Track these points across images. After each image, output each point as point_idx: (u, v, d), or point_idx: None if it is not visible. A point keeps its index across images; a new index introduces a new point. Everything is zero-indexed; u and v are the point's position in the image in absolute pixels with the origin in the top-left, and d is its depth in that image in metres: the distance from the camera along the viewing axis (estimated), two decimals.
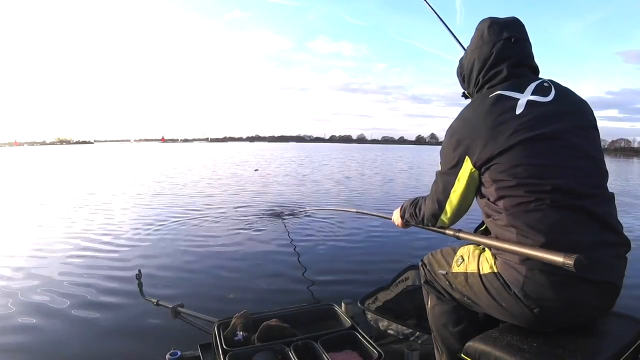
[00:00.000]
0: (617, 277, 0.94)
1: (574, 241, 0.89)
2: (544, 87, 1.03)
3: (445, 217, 1.14)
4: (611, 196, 0.99)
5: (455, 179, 1.06)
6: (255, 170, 5.79)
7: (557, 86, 1.05)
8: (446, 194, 1.10)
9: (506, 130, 0.96)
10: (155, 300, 1.99)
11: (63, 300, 2.63)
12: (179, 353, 1.46)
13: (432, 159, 27.60)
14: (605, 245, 0.92)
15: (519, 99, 1.00)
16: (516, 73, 1.07)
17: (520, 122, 0.95)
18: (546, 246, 0.87)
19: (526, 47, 1.10)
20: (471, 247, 1.13)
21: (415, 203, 1.28)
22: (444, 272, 1.16)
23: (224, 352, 1.25)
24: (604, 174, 1.01)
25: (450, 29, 1.55)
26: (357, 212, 2.28)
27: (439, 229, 1.20)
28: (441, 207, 1.12)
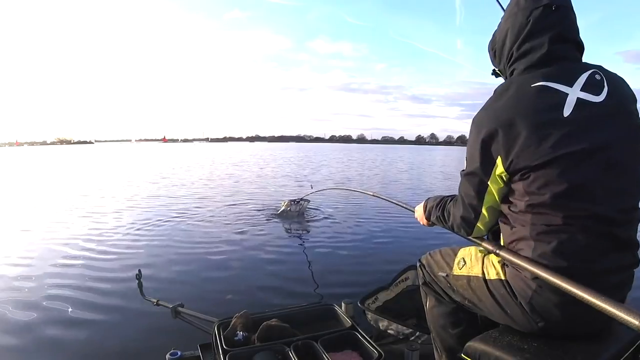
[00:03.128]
0: (626, 292, 0.92)
1: (593, 268, 0.85)
2: (596, 82, 0.87)
3: (482, 224, 1.00)
4: None
5: (488, 180, 0.92)
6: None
7: (610, 80, 0.89)
8: (481, 198, 0.96)
9: (550, 137, 0.83)
10: (155, 300, 1.99)
11: (63, 301, 2.63)
12: (179, 353, 1.47)
13: (432, 159, 27.60)
14: (621, 269, 0.88)
15: (567, 95, 0.85)
16: (560, 52, 0.91)
17: (566, 131, 0.83)
18: (563, 271, 0.80)
19: (570, 17, 0.93)
20: (473, 249, 1.10)
21: (442, 205, 1.13)
22: (444, 274, 1.13)
23: (224, 352, 1.25)
24: None
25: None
26: (373, 194, 2.11)
27: (475, 240, 1.04)
28: (477, 214, 0.98)
